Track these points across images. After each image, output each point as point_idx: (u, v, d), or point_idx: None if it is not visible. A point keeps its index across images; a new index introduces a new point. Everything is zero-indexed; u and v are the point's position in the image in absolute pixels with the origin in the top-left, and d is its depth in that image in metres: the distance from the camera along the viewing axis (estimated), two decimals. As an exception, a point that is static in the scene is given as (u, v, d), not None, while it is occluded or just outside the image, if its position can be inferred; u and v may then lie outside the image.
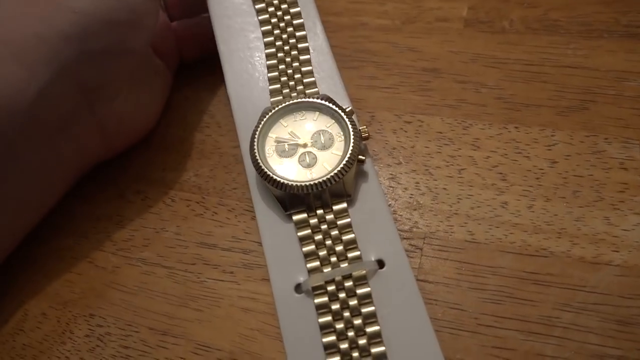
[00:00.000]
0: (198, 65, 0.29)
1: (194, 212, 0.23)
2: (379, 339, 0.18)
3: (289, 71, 0.23)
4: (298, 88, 0.23)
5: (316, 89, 0.23)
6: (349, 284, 0.19)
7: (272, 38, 0.24)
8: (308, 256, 0.19)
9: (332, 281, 0.19)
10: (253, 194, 0.21)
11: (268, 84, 0.23)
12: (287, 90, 0.23)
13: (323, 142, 0.21)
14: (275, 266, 0.20)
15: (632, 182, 0.21)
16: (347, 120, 0.21)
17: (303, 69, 0.23)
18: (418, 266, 0.20)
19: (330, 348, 0.18)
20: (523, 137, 0.23)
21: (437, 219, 0.22)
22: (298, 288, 0.19)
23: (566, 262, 0.20)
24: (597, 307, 0.19)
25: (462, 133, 0.24)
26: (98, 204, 0.25)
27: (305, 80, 0.23)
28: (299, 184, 0.20)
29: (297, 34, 0.24)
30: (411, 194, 0.22)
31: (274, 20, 0.25)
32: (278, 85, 0.23)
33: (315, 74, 0.23)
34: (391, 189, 0.23)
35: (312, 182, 0.19)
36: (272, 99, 0.23)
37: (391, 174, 0.23)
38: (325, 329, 0.18)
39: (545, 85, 0.25)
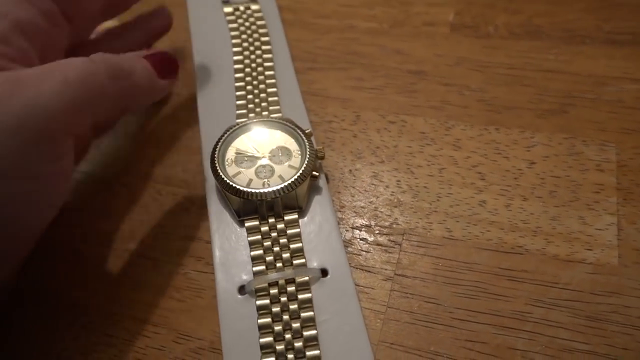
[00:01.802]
0: (189, 62, 0.29)
1: (180, 206, 0.24)
2: (314, 342, 0.19)
3: (256, 97, 0.25)
4: (263, 112, 0.25)
5: (279, 115, 0.24)
6: (291, 288, 0.19)
7: (242, 74, 0.26)
8: (255, 260, 0.20)
9: (275, 284, 0.20)
10: (209, 198, 0.22)
11: (235, 106, 0.25)
12: (252, 107, 0.25)
13: (281, 156, 0.22)
14: (221, 267, 0.20)
15: (608, 183, 0.22)
16: (305, 139, 0.22)
17: (270, 98, 0.25)
18: (396, 261, 0.21)
19: (266, 348, 0.18)
20: (503, 138, 0.24)
21: (416, 216, 0.22)
22: (242, 290, 0.20)
23: (540, 260, 0.20)
24: (568, 303, 0.19)
25: (444, 133, 0.24)
26: (85, 196, 0.25)
27: (270, 107, 0.25)
28: (253, 191, 0.21)
29: (267, 72, 0.26)
30: (392, 192, 0.23)
31: (246, 60, 0.27)
32: (244, 109, 0.25)
33: (280, 101, 0.25)
34: (373, 186, 0.23)
35: (266, 191, 0.21)
36: (237, 112, 0.24)
37: (374, 172, 0.24)
38: (264, 329, 0.19)
39: (527, 88, 0.25)
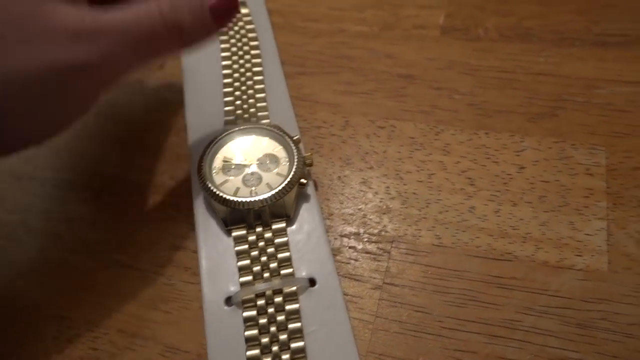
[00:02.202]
0: (175, 67, 0.29)
1: (167, 215, 0.24)
2: (302, 355, 0.18)
3: (244, 103, 0.25)
4: (251, 118, 0.24)
5: (268, 121, 0.24)
6: (278, 299, 0.19)
7: (230, 80, 0.26)
8: (242, 270, 0.20)
9: (262, 295, 0.19)
10: (196, 206, 0.22)
11: (223, 110, 0.24)
12: (241, 113, 0.24)
13: (268, 164, 0.22)
14: (208, 277, 0.20)
15: (597, 188, 0.22)
16: (293, 146, 0.22)
17: (258, 104, 0.25)
18: (385, 269, 0.21)
19: None
20: (493, 142, 0.24)
21: (405, 223, 0.22)
22: (228, 301, 0.20)
23: (530, 266, 0.20)
24: (558, 310, 0.19)
25: (434, 138, 0.24)
26: (72, 205, 0.25)
27: (259, 113, 0.24)
28: (240, 199, 0.20)
29: (255, 78, 0.26)
30: (381, 198, 0.23)
31: (235, 65, 0.27)
32: (232, 116, 0.24)
33: (269, 107, 0.25)
34: (362, 192, 0.23)
35: (253, 199, 0.20)
36: (225, 118, 0.24)
37: (362, 178, 0.23)
38: (250, 342, 0.19)
39: (517, 92, 0.25)
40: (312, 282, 0.20)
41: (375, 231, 0.22)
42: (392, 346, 0.19)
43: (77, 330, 0.21)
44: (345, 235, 0.22)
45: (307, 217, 0.21)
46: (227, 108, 0.25)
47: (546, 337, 0.18)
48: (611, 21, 0.27)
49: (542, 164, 0.23)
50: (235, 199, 0.21)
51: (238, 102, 0.25)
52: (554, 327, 0.19)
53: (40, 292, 0.22)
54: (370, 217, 0.22)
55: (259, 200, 0.20)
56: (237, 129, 0.23)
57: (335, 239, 0.22)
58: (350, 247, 0.22)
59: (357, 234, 0.22)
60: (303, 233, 0.21)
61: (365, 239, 0.22)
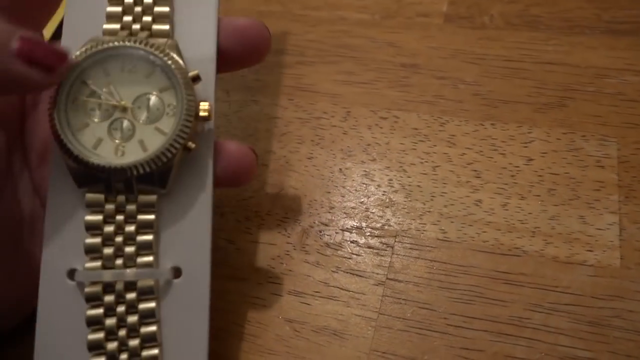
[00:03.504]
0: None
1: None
2: None
3: (138, 5, 0.17)
4: (143, 30, 0.17)
5: (166, 28, 0.17)
6: (131, 295, 0.16)
7: None
8: (89, 252, 0.16)
9: (112, 289, 0.16)
10: (56, 152, 0.17)
11: (105, 16, 0.17)
12: (129, 21, 0.17)
13: (148, 111, 0.16)
14: (51, 241, 0.16)
15: (608, 181, 0.21)
16: (184, 88, 0.16)
17: (157, 9, 0.17)
18: (388, 265, 0.20)
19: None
20: (499, 134, 0.23)
21: (409, 216, 0.21)
22: (72, 273, 0.16)
23: (539, 262, 0.19)
24: (569, 307, 0.18)
25: (438, 129, 0.23)
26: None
27: (155, 26, 0.17)
28: (97, 162, 0.15)
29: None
30: (384, 191, 0.22)
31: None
32: (116, 22, 0.17)
33: (175, 19, 0.17)
34: (364, 185, 0.22)
35: (115, 164, 0.15)
36: (106, 26, 0.17)
37: (365, 171, 0.23)
38: (94, 349, 0.16)
39: (524, 81, 0.24)
40: (177, 272, 0.16)
41: (378, 225, 0.21)
42: (396, 344, 0.18)
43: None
44: (346, 230, 0.21)
45: (191, 193, 0.17)
46: (110, 8, 0.17)
47: (556, 336, 0.18)
48: (621, 8, 0.26)
49: (551, 156, 0.22)
50: (92, 158, 0.15)
51: (128, 1, 0.17)
52: (564, 325, 0.18)
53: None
54: (373, 211, 0.22)
55: (124, 166, 0.15)
56: (116, 45, 0.16)
57: (337, 233, 0.21)
58: (352, 242, 0.21)
59: (359, 228, 0.21)
60: (180, 210, 0.17)
61: (368, 233, 0.21)
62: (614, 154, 0.21)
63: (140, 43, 0.16)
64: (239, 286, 0.21)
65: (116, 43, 0.16)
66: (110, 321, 0.16)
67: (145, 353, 0.16)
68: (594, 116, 0.23)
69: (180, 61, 0.16)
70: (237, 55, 0.18)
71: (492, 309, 0.19)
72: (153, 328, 0.16)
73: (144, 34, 0.17)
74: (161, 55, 0.16)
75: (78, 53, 0.16)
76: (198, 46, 0.17)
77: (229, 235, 0.22)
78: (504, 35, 0.26)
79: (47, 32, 0.27)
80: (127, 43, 0.16)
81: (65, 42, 0.18)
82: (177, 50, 0.17)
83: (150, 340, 0.16)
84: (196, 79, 0.16)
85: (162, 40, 0.17)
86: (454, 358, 0.18)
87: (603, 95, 0.23)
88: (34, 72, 0.15)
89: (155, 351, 0.16)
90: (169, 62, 0.16)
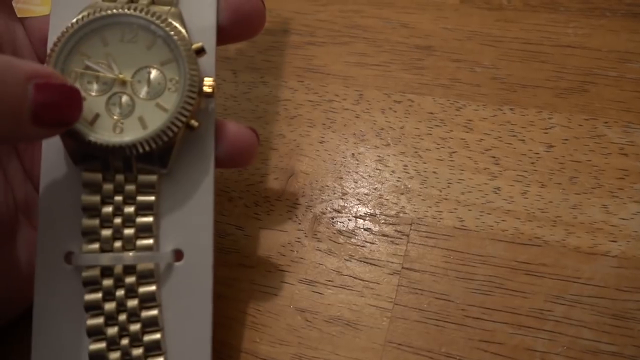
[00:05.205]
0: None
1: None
2: (158, 352, 0.15)
3: None
4: None
5: (169, 7, 0.16)
6: (130, 279, 0.15)
7: None
8: (86, 234, 0.15)
9: (110, 273, 0.15)
10: None
11: None
12: None
13: (148, 85, 0.15)
14: (47, 223, 0.16)
15: (632, 169, 0.20)
16: (187, 62, 0.15)
17: None
18: (404, 253, 0.19)
19: (95, 358, 0.15)
20: (518, 119, 0.22)
21: (425, 204, 0.20)
22: (69, 257, 0.16)
23: (560, 252, 0.19)
24: (591, 300, 0.18)
25: (455, 114, 0.23)
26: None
27: None
28: (94, 138, 0.15)
29: None
30: (399, 177, 0.21)
31: None
32: None
33: None
34: (378, 171, 0.21)
35: (113, 142, 0.15)
36: None
37: (378, 156, 0.22)
38: (94, 334, 0.15)
39: (544, 65, 0.24)
40: (179, 255, 0.16)
41: (393, 212, 0.20)
42: (412, 335, 0.18)
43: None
44: (360, 217, 0.20)
45: (193, 173, 0.16)
46: None
47: (579, 328, 0.17)
48: (645, -10, 0.25)
49: (573, 143, 0.21)
50: (89, 136, 0.15)
51: None
52: (587, 318, 0.17)
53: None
54: (387, 198, 0.21)
55: (122, 144, 0.15)
56: (115, 12, 0.15)
57: (350, 220, 0.20)
58: (365, 229, 0.20)
59: (373, 215, 0.20)
60: (181, 193, 0.16)
61: (382, 221, 0.20)
62: (638, 142, 0.21)
63: (141, 11, 0.15)
64: (248, 274, 0.20)
65: (115, 10, 0.15)
66: (110, 306, 0.15)
67: (146, 338, 0.15)
68: (616, 102, 0.22)
69: (184, 31, 0.15)
70: (230, 29, 0.17)
71: (512, 300, 0.18)
72: (154, 312, 0.15)
73: (146, 0, 0.16)
74: (163, 25, 0.15)
75: (75, 20, 0.15)
76: (198, 16, 0.16)
77: (237, 221, 0.21)
78: (522, 16, 0.25)
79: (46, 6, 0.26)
80: (127, 11, 0.15)
81: (56, 8, 0.16)
82: (181, 19, 0.16)
83: (151, 324, 0.15)
84: (200, 51, 0.15)
85: (165, 8, 0.16)
86: (473, 350, 0.17)
87: (626, 81, 0.23)
88: (44, 131, 0.14)
89: (157, 335, 0.15)
90: (171, 32, 0.15)
